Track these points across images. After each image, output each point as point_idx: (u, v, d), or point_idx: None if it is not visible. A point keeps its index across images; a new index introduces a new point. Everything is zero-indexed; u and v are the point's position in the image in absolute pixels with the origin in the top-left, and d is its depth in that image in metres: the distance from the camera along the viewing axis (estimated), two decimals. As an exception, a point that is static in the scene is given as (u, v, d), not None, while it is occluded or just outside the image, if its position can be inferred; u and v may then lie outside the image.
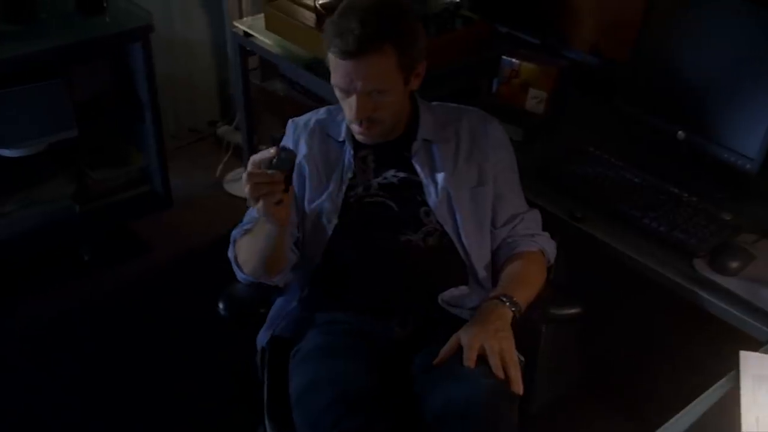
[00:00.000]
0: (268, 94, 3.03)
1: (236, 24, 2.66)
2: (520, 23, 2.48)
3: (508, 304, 1.57)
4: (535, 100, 2.17)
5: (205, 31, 3.41)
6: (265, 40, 2.56)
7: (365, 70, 1.55)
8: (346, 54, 1.54)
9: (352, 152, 1.73)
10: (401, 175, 1.73)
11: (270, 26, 2.53)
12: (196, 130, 3.60)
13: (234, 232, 1.72)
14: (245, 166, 1.48)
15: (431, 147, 1.74)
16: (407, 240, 1.67)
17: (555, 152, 2.06)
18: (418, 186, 1.71)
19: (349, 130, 1.74)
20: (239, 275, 1.69)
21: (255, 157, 1.43)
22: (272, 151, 1.42)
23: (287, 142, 1.80)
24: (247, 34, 2.62)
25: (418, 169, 1.72)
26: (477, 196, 1.71)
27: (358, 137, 1.70)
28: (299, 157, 1.74)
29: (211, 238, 2.98)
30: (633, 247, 1.77)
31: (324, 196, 1.71)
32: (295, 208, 1.71)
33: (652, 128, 2.02)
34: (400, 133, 1.74)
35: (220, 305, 1.68)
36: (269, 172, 1.41)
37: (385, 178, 1.73)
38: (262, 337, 1.76)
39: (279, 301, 1.78)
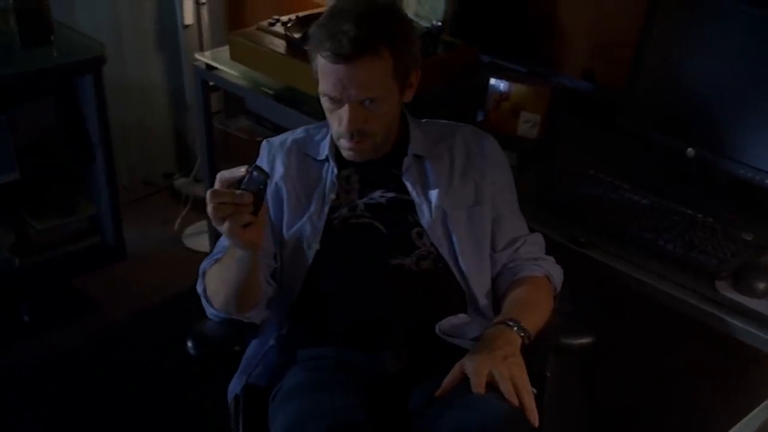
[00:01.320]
0: (232, 139, 2.99)
1: (198, 56, 2.62)
2: (505, 50, 2.47)
3: (516, 328, 1.49)
4: (527, 124, 2.14)
5: (161, 73, 3.39)
6: (231, 71, 2.51)
7: (360, 76, 1.52)
8: (339, 57, 1.50)
9: (335, 171, 1.67)
10: (390, 194, 1.68)
11: (236, 56, 2.49)
12: (151, 182, 3.55)
13: (203, 264, 1.65)
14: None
15: (423, 163, 1.70)
16: (398, 264, 1.60)
17: (552, 176, 2.03)
18: (410, 205, 1.66)
19: (331, 147, 1.69)
20: (209, 311, 1.60)
21: (223, 174, 1.35)
22: (243, 169, 1.34)
23: (261, 163, 1.74)
24: (210, 67, 2.57)
25: (410, 187, 1.67)
26: (474, 216, 1.67)
27: (347, 154, 1.65)
28: (276, 178, 1.69)
29: (169, 295, 2.89)
30: (646, 272, 1.72)
31: (304, 219, 1.65)
32: (272, 236, 1.65)
33: (658, 147, 2.00)
34: (387, 151, 1.69)
35: (189, 343, 1.58)
36: (237, 192, 1.33)
37: (372, 199, 1.67)
38: (235, 385, 1.67)
39: (254, 344, 1.70)
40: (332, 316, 1.60)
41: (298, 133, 1.77)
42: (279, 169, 1.70)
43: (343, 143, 1.62)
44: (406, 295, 1.58)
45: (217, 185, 1.35)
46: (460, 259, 1.63)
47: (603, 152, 2.13)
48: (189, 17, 3.11)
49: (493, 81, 2.17)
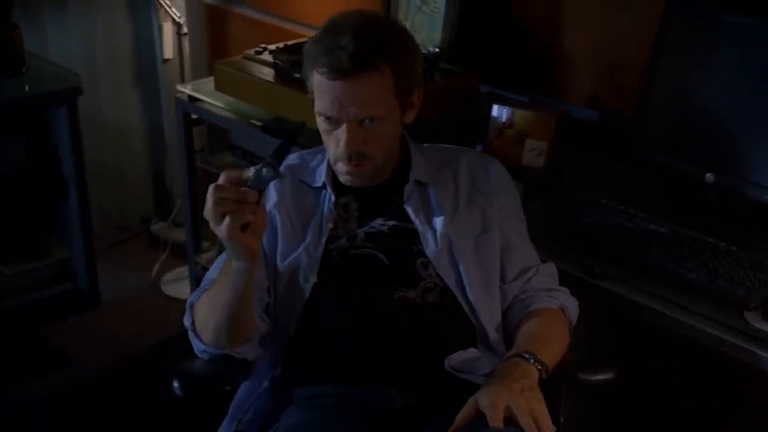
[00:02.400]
0: (215, 179, 2.96)
1: (180, 88, 2.61)
2: (505, 79, 2.48)
3: (532, 361, 1.46)
4: (533, 152, 2.13)
5: (139, 110, 3.38)
6: (215, 102, 2.50)
7: (359, 93, 1.50)
8: (337, 73, 1.49)
9: (333, 198, 1.65)
10: (391, 223, 1.66)
11: (221, 86, 2.48)
12: (126, 227, 3.52)
13: (190, 298, 1.62)
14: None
15: (426, 190, 1.69)
16: (402, 297, 1.58)
17: (562, 206, 2.01)
18: (413, 234, 1.64)
19: (328, 173, 1.67)
20: (198, 347, 1.56)
21: (229, 172, 1.34)
22: (251, 171, 1.33)
23: None
24: (192, 99, 2.57)
25: (412, 215, 1.65)
26: (482, 244, 1.65)
27: (344, 179, 1.63)
28: (269, 206, 1.66)
29: (147, 345, 2.86)
30: (667, 303, 1.70)
31: (300, 250, 1.63)
32: (264, 268, 1.62)
33: (673, 174, 1.99)
34: (387, 177, 1.68)
35: (175, 383, 1.53)
36: (242, 188, 1.31)
37: (372, 227, 1.65)
38: (225, 430, 1.61)
39: (245, 386, 1.66)
40: (332, 352, 1.57)
41: (292, 159, 1.76)
42: (272, 197, 1.67)
43: (341, 167, 1.60)
44: (411, 330, 1.55)
45: (220, 180, 1.32)
46: (468, 291, 1.60)
47: (614, 181, 2.12)
48: (169, 50, 3.11)
49: (495, 107, 2.17)
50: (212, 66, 2.54)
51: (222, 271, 1.46)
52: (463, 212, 1.66)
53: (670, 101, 2.00)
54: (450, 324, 1.59)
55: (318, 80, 1.53)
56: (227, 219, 1.30)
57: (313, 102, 1.58)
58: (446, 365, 1.53)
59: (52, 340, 2.85)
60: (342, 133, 1.54)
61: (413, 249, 1.62)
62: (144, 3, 3.16)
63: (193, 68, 3.02)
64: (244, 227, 1.32)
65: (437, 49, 2.37)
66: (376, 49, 1.50)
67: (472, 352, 1.56)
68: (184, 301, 1.59)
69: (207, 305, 1.52)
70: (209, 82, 2.58)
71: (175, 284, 3.17)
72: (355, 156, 1.57)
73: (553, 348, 1.54)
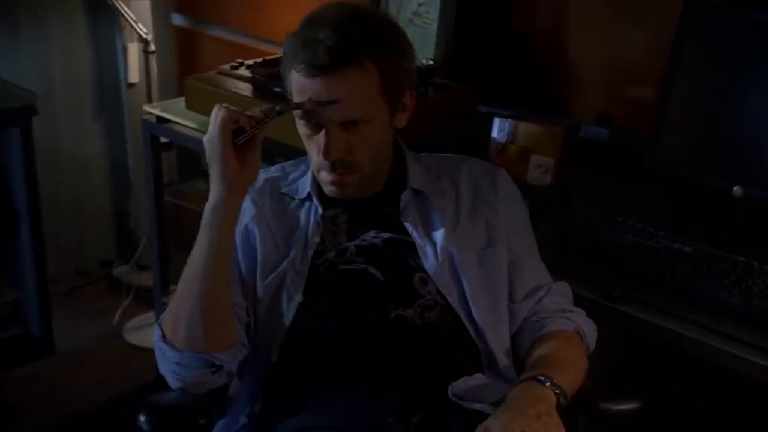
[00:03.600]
0: (185, 215, 2.94)
1: (147, 108, 2.58)
2: (505, 96, 2.46)
3: (548, 384, 1.42)
4: (539, 169, 2.11)
5: (100, 140, 3.36)
6: (186, 123, 2.47)
7: (340, 91, 1.48)
8: (315, 69, 1.46)
9: (320, 211, 1.62)
10: (385, 235, 1.62)
11: (193, 104, 2.45)
12: (85, 271, 3.48)
13: (160, 317, 1.55)
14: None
15: (424, 200, 1.66)
16: (399, 316, 1.54)
17: (573, 226, 1.99)
18: (410, 247, 1.61)
19: (313, 184, 1.64)
20: (170, 360, 1.48)
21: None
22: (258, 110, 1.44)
23: None
24: (161, 120, 2.53)
25: (409, 227, 1.62)
26: (487, 259, 1.62)
27: (328, 189, 1.59)
28: (246, 220, 1.63)
29: (107, 398, 2.81)
30: (696, 327, 1.66)
31: (283, 266, 1.59)
32: (240, 288, 1.58)
33: (695, 189, 1.99)
34: (378, 189, 1.65)
35: (141, 418, 1.48)
36: (247, 112, 1.41)
37: (364, 240, 1.62)
38: (197, 473, 1.55)
39: (220, 424, 1.60)
40: (320, 380, 1.52)
41: (272, 171, 1.73)
42: (249, 210, 1.64)
43: (324, 176, 1.57)
44: (410, 352, 1.52)
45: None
46: (474, 310, 1.57)
47: (629, 199, 2.12)
48: (134, 73, 3.09)
49: (496, 121, 2.15)
50: (182, 85, 2.52)
51: (200, 234, 1.45)
52: (465, 224, 1.64)
53: (690, 110, 2.00)
54: (453, 346, 1.55)
55: (296, 78, 1.50)
56: (215, 114, 1.39)
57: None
58: (450, 393, 1.48)
59: (0, 391, 2.78)
60: (322, 136, 1.51)
61: (410, 263, 1.59)
62: (106, 22, 3.16)
63: (161, 91, 2.99)
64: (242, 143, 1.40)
65: (431, 62, 2.35)
66: (359, 43, 1.47)
67: (478, 378, 1.52)
68: (150, 349, 1.54)
69: (176, 301, 1.48)
70: (179, 102, 2.56)
71: (140, 332, 3.12)
72: (339, 164, 1.54)
73: (571, 372, 1.49)
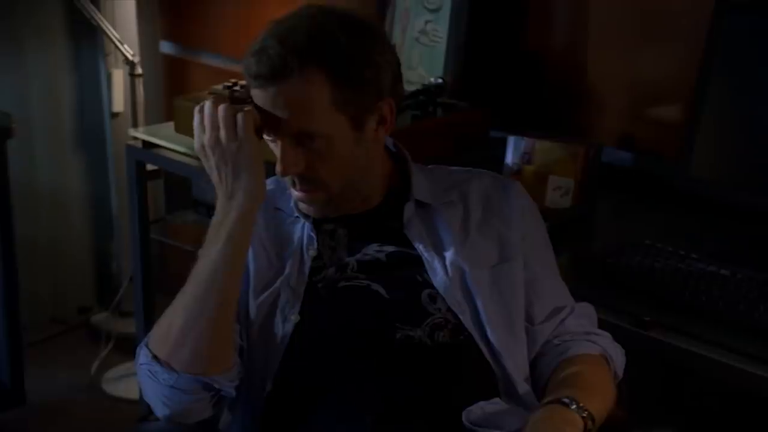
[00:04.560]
0: (173, 253, 2.90)
1: (133, 134, 2.55)
2: (519, 119, 2.44)
3: (574, 407, 1.38)
4: (558, 191, 2.10)
5: (80, 175, 3.33)
6: (176, 147, 2.44)
7: (285, 103, 1.46)
8: (258, 79, 1.46)
9: (310, 225, 1.60)
10: (389, 249, 1.60)
11: (182, 126, 2.43)
12: (60, 320, 3.43)
13: (144, 340, 1.53)
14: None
15: (430, 213, 1.64)
16: (406, 337, 1.51)
17: (597, 251, 1.98)
18: (417, 262, 1.58)
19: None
20: (163, 382, 1.45)
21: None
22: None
23: None
24: (148, 145, 2.50)
25: (415, 240, 1.60)
26: (501, 277, 1.59)
27: (301, 206, 1.60)
28: None
29: None
30: (735, 354, 1.63)
31: (277, 284, 1.56)
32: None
33: (730, 211, 1.99)
34: (378, 201, 1.63)
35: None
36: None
37: (366, 255, 1.59)
38: None
39: None
40: (321, 409, 1.48)
41: (267, 184, 1.68)
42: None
43: (293, 192, 1.58)
44: (419, 376, 1.48)
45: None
46: (489, 331, 1.53)
47: (656, 222, 2.11)
48: (119, 102, 3.08)
49: (511, 140, 2.14)
50: (171, 107, 2.50)
51: (211, 231, 1.48)
52: (475, 238, 1.61)
53: (723, 126, 2.02)
54: (467, 369, 1.52)
55: (252, 89, 1.50)
56: (241, 116, 1.44)
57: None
58: (465, 420, 1.44)
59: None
60: (277, 151, 1.50)
61: (417, 279, 1.57)
62: (88, 47, 3.15)
63: (148, 120, 2.97)
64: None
65: (440, 80, 2.34)
66: (303, 52, 1.44)
67: (496, 404, 1.48)
68: (133, 401, 1.48)
69: (183, 314, 1.45)
70: (167, 127, 2.54)
71: (120, 382, 3.07)
72: (299, 180, 1.53)
73: (599, 398, 1.45)
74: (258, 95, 1.48)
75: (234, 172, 1.45)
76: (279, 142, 1.49)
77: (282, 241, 1.61)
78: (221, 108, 1.45)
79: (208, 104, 1.47)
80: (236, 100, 1.49)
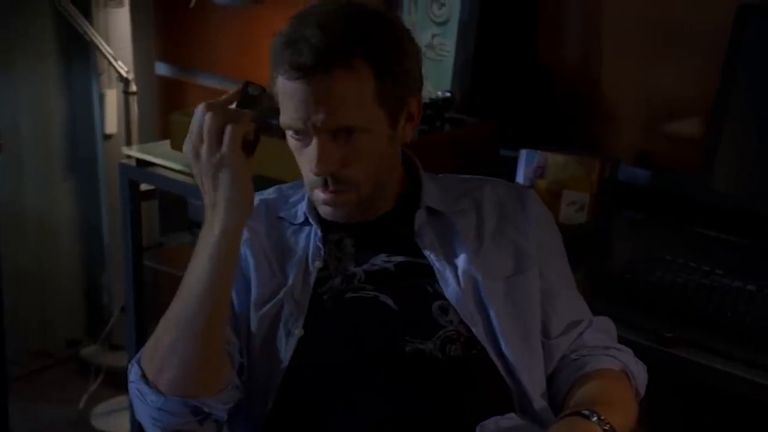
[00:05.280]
0: (168, 281, 2.90)
1: (127, 152, 2.56)
2: (530, 137, 2.44)
3: (595, 419, 1.36)
4: (573, 206, 2.10)
5: (70, 201, 3.33)
6: (172, 165, 2.45)
7: (328, 96, 1.45)
8: (298, 71, 1.44)
9: (319, 233, 1.59)
10: (398, 259, 1.59)
11: (179, 143, 2.38)
12: (48, 352, 3.42)
13: (136, 356, 1.51)
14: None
15: (442, 221, 1.63)
16: (416, 350, 1.49)
17: (614, 267, 1.99)
18: (427, 272, 1.57)
19: (310, 206, 1.62)
20: (152, 404, 1.43)
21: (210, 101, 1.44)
22: (234, 89, 1.46)
23: None
24: (142, 164, 2.50)
25: (426, 249, 1.59)
26: (516, 288, 1.58)
27: (324, 211, 1.56)
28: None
29: None
30: (763, 371, 1.62)
31: (280, 295, 1.55)
32: (233, 323, 1.54)
33: (754, 225, 2.01)
34: (389, 208, 1.62)
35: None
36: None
37: (374, 265, 1.58)
38: None
39: None
40: (326, 424, 1.47)
41: (268, 193, 1.71)
42: (242, 233, 1.58)
43: (318, 195, 1.54)
44: (430, 391, 1.47)
45: (203, 105, 1.42)
46: (503, 344, 1.52)
47: (676, 238, 2.12)
48: (112, 123, 3.09)
49: (523, 153, 2.15)
50: (168, 122, 2.50)
51: (198, 249, 1.43)
52: (489, 247, 1.60)
53: (746, 138, 2.03)
54: (480, 383, 1.50)
55: (281, 83, 1.48)
56: (229, 128, 1.38)
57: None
58: None
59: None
60: (313, 148, 1.48)
61: (428, 290, 1.55)
62: (81, 66, 3.16)
63: (142, 138, 2.98)
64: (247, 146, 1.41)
65: (448, 93, 2.35)
66: (348, 41, 1.45)
67: (511, 419, 1.46)
68: None
69: (168, 335, 1.43)
70: (162, 145, 2.56)
71: (109, 417, 3.08)
72: (332, 180, 1.51)
73: (621, 413, 1.43)
74: (295, 89, 1.45)
75: (215, 185, 1.41)
76: (316, 139, 1.47)
77: (285, 250, 1.60)
78: (208, 118, 1.40)
79: (200, 109, 1.42)
80: (247, 100, 1.46)
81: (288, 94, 1.47)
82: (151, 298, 2.84)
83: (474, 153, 2.36)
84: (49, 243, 3.31)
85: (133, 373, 1.46)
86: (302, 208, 1.63)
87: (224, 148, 1.38)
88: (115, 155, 3.06)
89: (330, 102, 1.45)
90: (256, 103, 1.45)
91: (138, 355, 1.49)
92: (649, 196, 2.29)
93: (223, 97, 1.44)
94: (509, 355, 1.51)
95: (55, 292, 3.38)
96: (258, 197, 1.66)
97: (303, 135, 1.49)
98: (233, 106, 1.44)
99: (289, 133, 1.51)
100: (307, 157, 1.50)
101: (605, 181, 2.10)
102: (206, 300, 1.40)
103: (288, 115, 1.48)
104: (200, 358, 1.40)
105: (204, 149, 1.40)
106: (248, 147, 1.43)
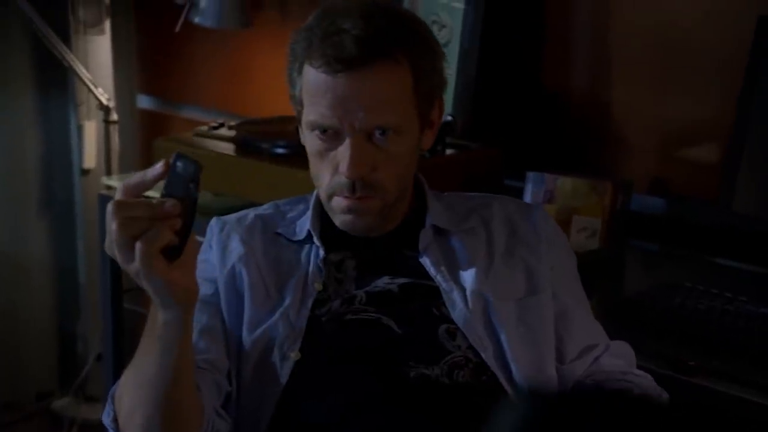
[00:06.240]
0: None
1: (107, 182, 2.55)
2: (535, 164, 2.44)
3: None
4: (584, 232, 2.12)
5: (44, 241, 3.29)
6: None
7: (371, 90, 1.46)
8: (340, 63, 1.44)
9: (321, 253, 1.59)
10: (401, 280, 1.58)
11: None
12: (16, 406, 3.35)
13: (112, 389, 1.47)
14: None
15: (449, 240, 1.64)
16: (421, 375, 1.49)
17: (629, 294, 2.00)
18: (433, 293, 1.57)
19: (315, 223, 1.62)
20: None
21: (129, 180, 1.23)
22: (159, 166, 1.21)
23: (208, 246, 1.65)
24: (122, 194, 2.49)
25: (432, 269, 1.59)
26: (528, 311, 1.58)
27: (342, 220, 1.56)
28: (232, 259, 1.60)
29: None
30: None
31: (276, 316, 1.55)
32: (224, 343, 1.54)
33: None
34: (395, 225, 1.62)
35: None
36: (153, 200, 1.20)
37: (377, 287, 1.58)
38: None
39: None
40: None
41: (264, 208, 1.71)
42: (236, 249, 1.61)
43: (338, 203, 1.54)
44: (436, 419, 1.45)
45: (121, 195, 1.21)
46: (515, 370, 1.51)
47: (694, 266, 2.14)
48: (91, 158, 3.08)
49: (530, 176, 2.16)
50: (151, 151, 2.50)
51: (146, 332, 1.32)
52: (500, 268, 1.60)
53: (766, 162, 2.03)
54: (490, 410, 1.45)
55: (312, 78, 1.48)
56: (139, 246, 1.17)
57: (299, 115, 1.54)
58: None
59: None
60: (346, 149, 1.48)
61: (434, 313, 1.55)
62: (58, 97, 3.15)
63: (122, 170, 2.97)
64: (170, 255, 1.20)
65: (449, 117, 2.34)
66: (392, 34, 1.47)
67: None
68: None
69: (131, 384, 1.38)
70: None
71: (83, 472, 3.00)
72: (360, 186, 1.50)
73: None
74: (330, 84, 1.45)
75: (149, 292, 1.25)
76: (350, 140, 1.47)
77: (282, 269, 1.59)
78: (114, 229, 1.18)
79: (109, 211, 1.18)
80: (176, 179, 1.20)
81: (322, 90, 1.47)
82: (130, 345, 2.81)
83: (476, 180, 2.35)
84: (20, 286, 3.27)
85: (106, 414, 1.43)
86: (305, 224, 1.63)
87: (137, 264, 1.19)
88: (93, 191, 3.04)
89: (372, 97, 1.46)
90: (187, 183, 1.20)
91: (112, 391, 1.44)
92: (662, 224, 2.30)
93: (148, 174, 1.21)
94: (521, 381, 1.50)
95: (25, 339, 3.32)
96: (254, 212, 1.69)
97: (331, 136, 1.49)
98: (162, 171, 1.21)
99: (312, 134, 1.51)
100: (332, 161, 1.50)
101: (618, 206, 2.11)
102: (163, 374, 1.31)
103: (320, 112, 1.47)
104: (165, 422, 1.34)
105: (119, 260, 1.21)
106: (173, 250, 1.21)
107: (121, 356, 2.65)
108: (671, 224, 2.29)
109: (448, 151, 2.35)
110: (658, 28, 2.32)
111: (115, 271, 2.59)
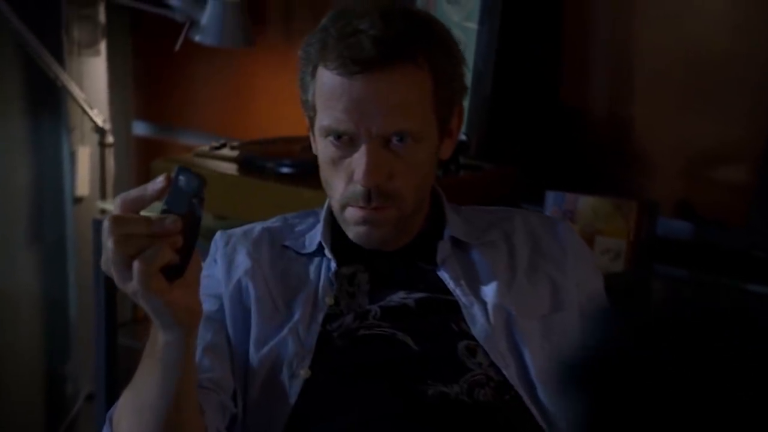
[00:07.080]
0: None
1: (102, 206, 2.55)
2: (553, 183, 2.45)
3: None
4: (608, 254, 2.12)
5: (33, 275, 3.27)
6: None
7: (390, 93, 1.47)
8: (358, 64, 1.45)
9: (333, 266, 1.59)
10: (418, 295, 1.58)
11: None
12: (3, 449, 3.38)
13: (111, 410, 1.47)
14: None
15: (468, 254, 1.64)
16: (440, 393, 1.49)
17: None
18: (453, 308, 1.57)
19: (326, 235, 1.62)
20: None
21: (128, 194, 1.22)
22: (160, 180, 1.20)
23: (212, 261, 1.65)
24: (117, 219, 2.49)
25: (451, 283, 1.58)
26: (553, 328, 1.58)
27: (356, 232, 1.56)
28: (239, 273, 1.60)
29: None
30: None
31: (284, 332, 1.55)
32: (229, 360, 1.54)
33: None
34: (411, 238, 1.62)
35: None
36: (152, 215, 1.19)
37: (391, 301, 1.58)
38: None
39: None
40: None
41: (272, 221, 1.72)
42: (243, 263, 1.61)
43: (353, 213, 1.54)
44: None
45: (118, 209, 1.20)
46: (539, 388, 1.51)
47: (723, 292, 2.13)
48: (84, 185, 3.07)
49: (550, 195, 2.18)
50: (149, 172, 2.50)
51: (146, 352, 1.32)
52: (523, 283, 1.60)
53: None
54: (513, 429, 1.48)
55: (327, 80, 1.48)
56: (137, 265, 1.16)
57: (311, 120, 1.55)
58: None
59: None
60: (361, 156, 1.48)
61: (453, 328, 1.55)
62: (50, 122, 3.15)
63: (117, 194, 2.96)
64: (170, 275, 1.19)
65: (464, 136, 2.35)
66: (411, 35, 1.48)
67: None
68: None
69: (130, 408, 1.38)
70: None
71: None
72: (376, 195, 1.50)
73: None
74: (346, 86, 1.45)
75: (149, 315, 1.26)
76: (365, 146, 1.47)
77: (290, 283, 1.60)
78: (110, 247, 1.17)
79: (105, 227, 1.18)
80: (178, 195, 1.20)
81: (337, 94, 1.47)
82: (123, 383, 2.79)
83: (492, 201, 2.35)
84: (7, 322, 3.26)
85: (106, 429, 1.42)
86: (315, 237, 1.63)
87: (135, 284, 1.18)
88: (85, 220, 3.04)
89: (389, 101, 1.47)
90: (190, 199, 1.19)
91: (110, 413, 1.44)
92: (689, 250, 2.29)
93: (148, 188, 1.21)
94: (546, 402, 1.50)
95: (11, 381, 3.30)
96: (261, 225, 1.70)
97: (345, 142, 1.49)
98: (159, 203, 1.22)
99: (326, 140, 1.51)
100: (346, 169, 1.50)
101: (644, 227, 2.11)
102: (164, 398, 1.31)
103: (335, 117, 1.48)
104: None
105: (116, 279, 1.21)
106: (174, 270, 1.20)
107: (114, 396, 2.62)
108: (697, 249, 2.28)
109: (462, 172, 2.36)
110: (683, 43, 2.34)
111: (109, 303, 2.58)
